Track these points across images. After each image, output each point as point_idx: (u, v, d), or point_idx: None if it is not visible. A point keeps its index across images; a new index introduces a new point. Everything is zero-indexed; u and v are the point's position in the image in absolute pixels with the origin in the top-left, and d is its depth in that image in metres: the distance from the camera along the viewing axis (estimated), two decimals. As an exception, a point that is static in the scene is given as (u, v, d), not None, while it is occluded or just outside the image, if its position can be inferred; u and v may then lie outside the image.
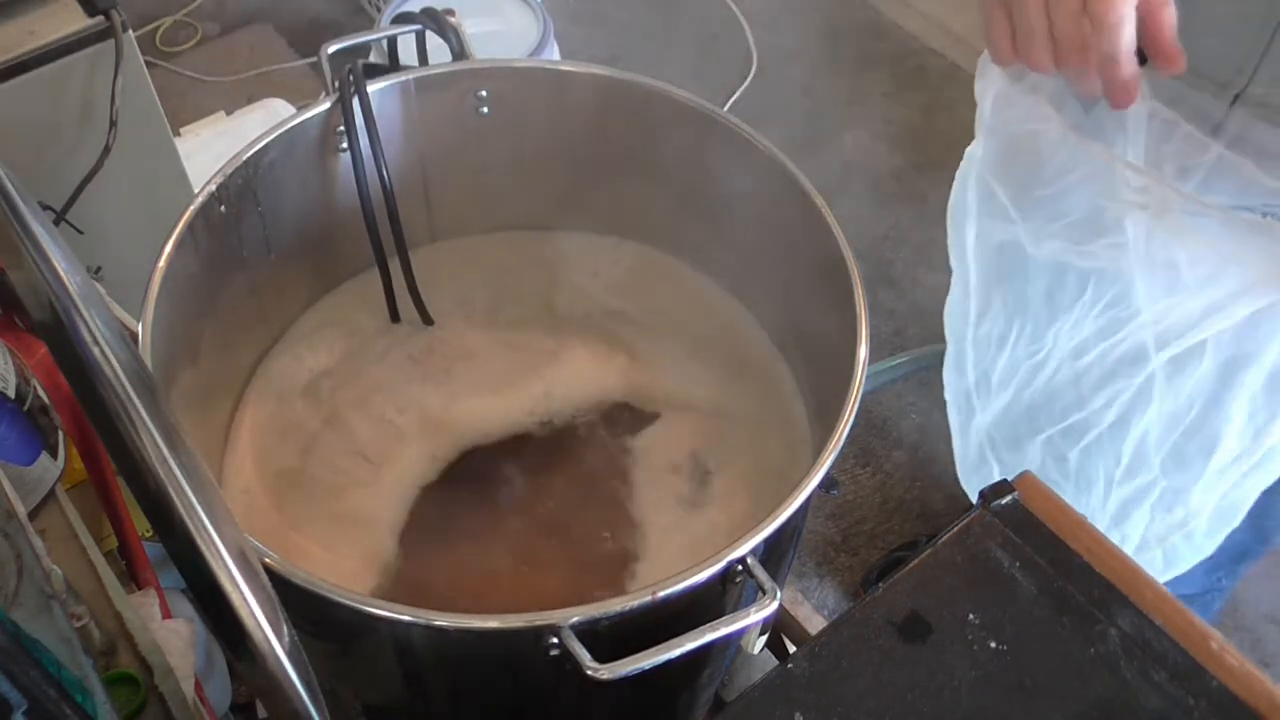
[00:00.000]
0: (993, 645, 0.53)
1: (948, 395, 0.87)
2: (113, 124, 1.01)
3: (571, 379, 0.88)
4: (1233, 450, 0.74)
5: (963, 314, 0.81)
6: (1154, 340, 0.70)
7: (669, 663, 0.56)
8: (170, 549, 0.37)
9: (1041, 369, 0.80)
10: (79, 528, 0.71)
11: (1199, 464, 0.75)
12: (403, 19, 0.88)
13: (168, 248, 0.71)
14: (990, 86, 0.69)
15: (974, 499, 0.91)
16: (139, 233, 0.87)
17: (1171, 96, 0.70)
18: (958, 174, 0.75)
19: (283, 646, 0.38)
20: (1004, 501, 0.58)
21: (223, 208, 0.77)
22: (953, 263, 0.79)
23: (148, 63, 1.12)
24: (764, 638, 0.68)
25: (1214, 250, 0.63)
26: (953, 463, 0.92)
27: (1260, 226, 0.62)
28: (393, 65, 0.88)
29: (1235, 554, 0.98)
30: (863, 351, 0.69)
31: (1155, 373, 0.71)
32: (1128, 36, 0.57)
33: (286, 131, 0.79)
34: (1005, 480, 0.59)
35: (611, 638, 0.57)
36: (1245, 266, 0.63)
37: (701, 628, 0.57)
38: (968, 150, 0.73)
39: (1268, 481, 0.76)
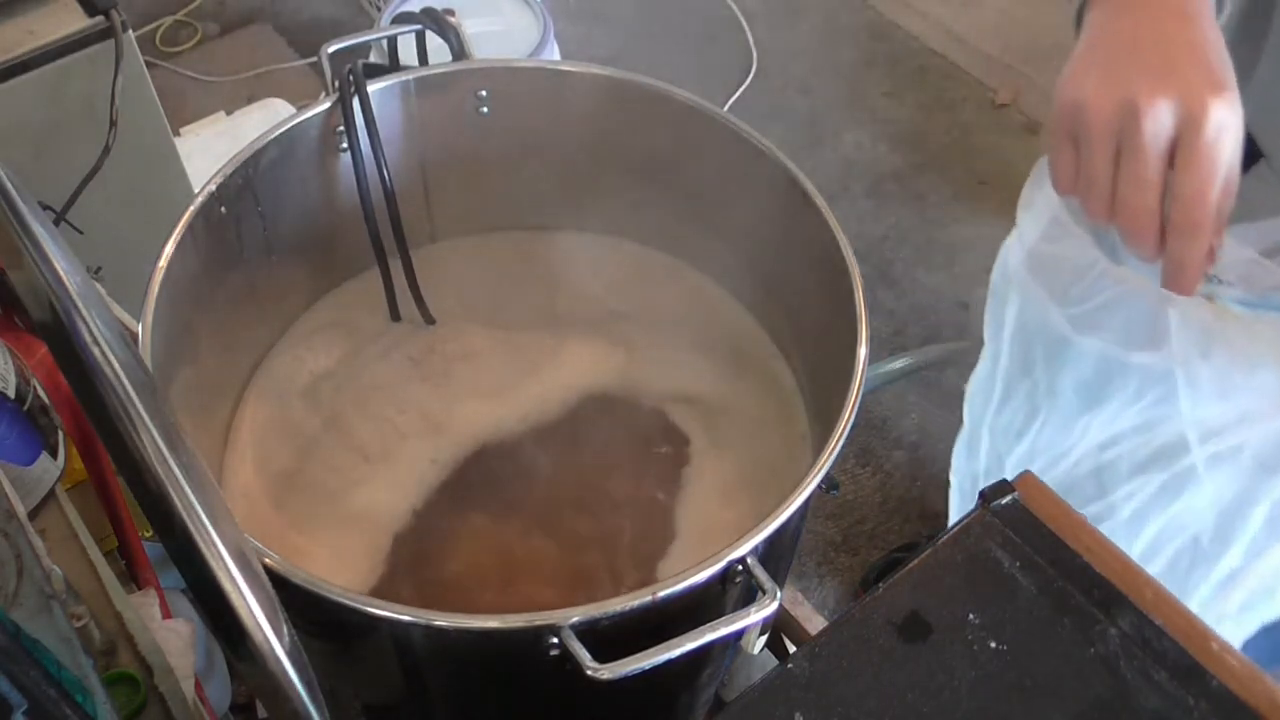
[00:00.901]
0: (993, 645, 0.53)
1: (953, 476, 0.82)
2: (113, 124, 1.01)
3: (572, 379, 0.88)
4: (1237, 558, 0.70)
5: (985, 395, 0.77)
6: (1196, 439, 0.66)
7: (669, 663, 0.56)
8: (170, 549, 0.37)
9: (1062, 460, 0.75)
10: (79, 528, 0.70)
11: (1206, 566, 0.71)
12: (403, 19, 0.88)
13: (168, 248, 0.71)
14: (1044, 212, 0.66)
15: None
16: (139, 233, 0.87)
17: None
18: (1001, 250, 0.71)
19: (283, 646, 0.38)
20: (1004, 501, 0.58)
21: (223, 208, 0.77)
22: (986, 335, 0.74)
23: (148, 63, 1.12)
24: (764, 638, 0.67)
25: (1269, 356, 0.61)
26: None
27: None
28: (393, 65, 0.88)
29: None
30: (863, 351, 0.69)
31: (1187, 469, 0.68)
32: (1202, 244, 0.54)
33: (286, 131, 0.79)
34: (1005, 480, 0.59)
35: (611, 638, 0.57)
36: None
37: (701, 628, 0.57)
38: (1007, 241, 0.70)
39: (1267, 617, 0.71)
